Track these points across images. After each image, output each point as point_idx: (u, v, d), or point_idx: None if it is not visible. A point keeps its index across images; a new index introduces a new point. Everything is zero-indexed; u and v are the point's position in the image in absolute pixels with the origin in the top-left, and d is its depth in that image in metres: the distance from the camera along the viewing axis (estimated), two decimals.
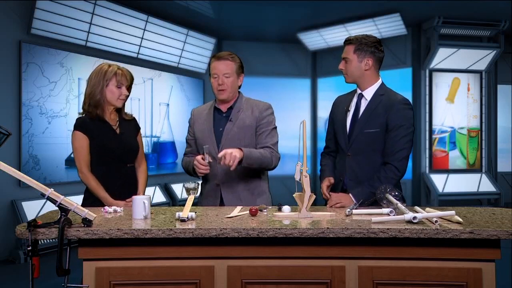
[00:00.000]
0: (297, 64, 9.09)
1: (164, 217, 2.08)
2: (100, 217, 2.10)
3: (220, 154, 2.38)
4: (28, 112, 5.27)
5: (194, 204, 2.17)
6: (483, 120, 8.12)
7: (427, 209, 2.11)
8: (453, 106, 8.05)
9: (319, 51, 8.92)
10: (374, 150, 2.49)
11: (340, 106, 2.67)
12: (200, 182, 2.56)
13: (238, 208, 2.31)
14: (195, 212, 2.06)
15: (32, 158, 5.33)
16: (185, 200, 2.14)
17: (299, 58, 9.04)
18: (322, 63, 9.10)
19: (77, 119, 2.66)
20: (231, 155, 2.35)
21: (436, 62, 7.84)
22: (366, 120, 2.50)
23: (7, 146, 3.38)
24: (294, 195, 2.09)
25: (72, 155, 5.62)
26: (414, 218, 1.86)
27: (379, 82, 2.56)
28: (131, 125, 2.78)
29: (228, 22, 7.73)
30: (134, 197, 2.07)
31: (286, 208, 2.18)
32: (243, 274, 1.88)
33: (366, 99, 2.54)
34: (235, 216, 2.08)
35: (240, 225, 1.86)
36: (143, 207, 2.03)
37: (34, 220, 1.81)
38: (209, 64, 2.74)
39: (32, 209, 5.12)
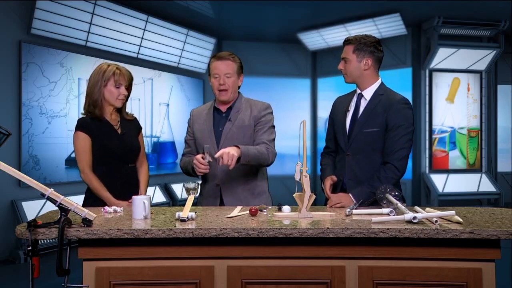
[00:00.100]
0: (297, 64, 9.09)
1: (164, 217, 2.08)
2: (100, 217, 2.10)
3: (217, 154, 2.36)
4: (28, 112, 5.27)
5: (193, 204, 2.17)
6: (483, 120, 8.12)
7: (427, 209, 2.11)
8: (453, 106, 8.05)
9: (319, 51, 8.92)
10: (373, 149, 2.49)
11: (339, 106, 2.67)
12: (199, 182, 2.56)
13: (238, 208, 2.31)
14: (195, 212, 2.06)
15: (32, 158, 5.33)
16: (185, 200, 2.14)
17: (299, 58, 9.04)
18: (322, 63, 9.10)
19: (79, 120, 2.66)
20: (229, 154, 2.33)
21: (436, 62, 7.84)
22: (366, 119, 2.50)
23: (7, 146, 3.38)
24: (294, 195, 2.09)
25: (72, 155, 5.67)
26: (414, 218, 1.86)
27: (379, 82, 2.57)
28: (132, 125, 2.77)
29: (228, 22, 7.73)
30: (134, 197, 2.07)
31: (286, 208, 2.18)
32: (243, 274, 1.88)
33: (365, 99, 2.55)
34: (235, 216, 2.08)
35: (240, 225, 1.86)
36: (143, 207, 2.03)
37: (34, 220, 1.81)
38: (208, 64, 2.73)
39: (32, 209, 5.12)
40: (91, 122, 2.63)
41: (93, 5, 5.95)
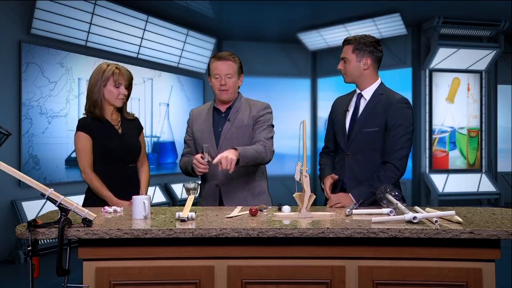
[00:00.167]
0: (297, 64, 9.09)
1: (164, 217, 2.08)
2: (100, 217, 2.10)
3: (215, 160, 2.33)
4: (28, 112, 5.27)
5: (193, 204, 2.17)
6: (483, 120, 8.12)
7: (427, 209, 2.11)
8: (453, 106, 8.05)
9: (319, 51, 8.92)
10: (373, 149, 2.49)
11: (339, 106, 2.68)
12: (199, 182, 2.56)
13: (238, 208, 2.31)
14: (195, 212, 2.06)
15: (32, 158, 5.33)
16: (185, 200, 2.14)
17: (299, 58, 9.04)
18: (322, 63, 9.10)
19: (80, 120, 2.66)
20: (227, 158, 2.31)
21: (436, 62, 7.84)
22: (365, 119, 2.51)
23: (7, 146, 3.38)
24: (294, 195, 2.09)
25: (72, 155, 5.67)
26: (414, 218, 1.86)
27: (378, 81, 2.57)
28: (133, 125, 2.77)
29: (228, 22, 7.73)
30: (134, 197, 2.07)
31: (286, 208, 2.18)
32: (243, 274, 1.88)
33: (365, 99, 2.55)
34: (235, 216, 2.08)
35: (240, 225, 1.86)
36: (143, 207, 2.03)
37: (34, 220, 1.81)
38: (208, 64, 2.73)
39: (32, 209, 5.12)
40: (91, 122, 2.63)
41: (93, 5, 5.95)
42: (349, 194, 2.43)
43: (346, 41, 2.56)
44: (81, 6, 5.81)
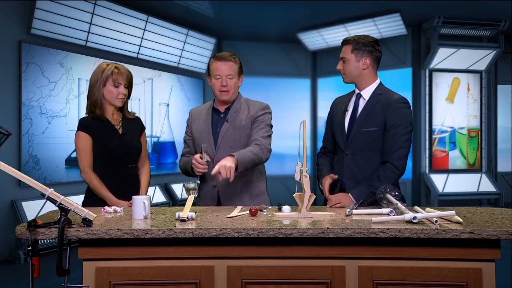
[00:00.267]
0: (297, 64, 9.09)
1: (164, 217, 2.08)
2: (100, 217, 2.10)
3: (214, 171, 2.27)
4: (28, 112, 5.27)
5: (193, 204, 2.17)
6: (483, 120, 8.12)
7: (427, 209, 2.11)
8: (453, 106, 8.05)
9: (319, 51, 8.92)
10: (372, 149, 2.49)
11: (338, 106, 2.68)
12: (199, 182, 2.55)
13: (238, 208, 2.31)
14: (195, 212, 2.06)
15: (32, 158, 5.33)
16: (185, 200, 2.14)
17: (299, 58, 9.04)
18: (322, 63, 9.10)
19: (80, 120, 2.66)
20: (225, 167, 2.26)
21: (436, 62, 7.84)
22: (364, 119, 2.51)
23: (7, 146, 3.38)
24: (294, 195, 2.09)
25: (72, 155, 5.67)
26: (414, 218, 1.87)
27: (377, 81, 2.58)
28: (134, 125, 2.76)
29: (228, 22, 7.73)
30: (134, 197, 2.07)
31: (286, 208, 2.18)
32: (243, 274, 1.88)
33: (364, 99, 2.55)
34: (235, 216, 2.08)
35: (240, 225, 1.86)
36: (143, 207, 2.03)
37: (34, 220, 1.81)
38: (208, 64, 2.72)
39: (32, 209, 5.12)
40: (92, 122, 2.63)
41: (93, 5, 5.95)
42: (349, 194, 2.43)
43: (345, 41, 2.57)
44: (81, 6, 5.81)
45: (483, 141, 8.11)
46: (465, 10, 7.18)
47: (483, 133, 8.11)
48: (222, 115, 2.67)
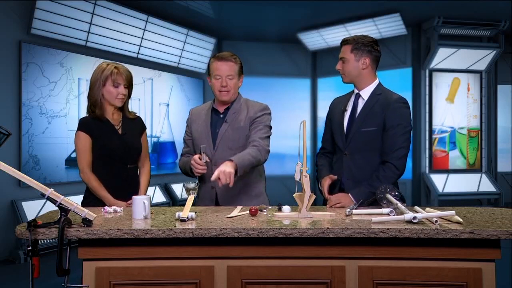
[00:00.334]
0: (297, 64, 9.09)
1: (164, 217, 2.08)
2: (100, 217, 2.10)
3: (213, 177, 2.25)
4: (28, 112, 5.27)
5: (193, 204, 2.17)
6: (483, 120, 8.12)
7: (427, 209, 2.11)
8: (453, 106, 8.05)
9: (319, 51, 8.92)
10: (371, 149, 2.50)
11: (337, 106, 2.69)
12: (199, 182, 2.55)
13: (238, 208, 2.31)
14: (195, 212, 2.06)
15: (32, 158, 5.33)
16: (185, 200, 2.14)
17: (299, 58, 9.04)
18: (322, 63, 9.10)
19: (80, 120, 2.66)
20: (225, 172, 2.24)
21: (436, 62, 7.84)
22: (364, 119, 2.51)
23: (7, 146, 3.38)
24: (294, 195, 2.09)
25: (72, 155, 5.67)
26: (414, 218, 1.87)
27: (376, 82, 2.58)
28: (135, 125, 2.75)
29: (228, 22, 7.73)
30: (134, 197, 2.07)
31: (286, 208, 2.17)
32: (243, 274, 1.88)
33: (363, 99, 2.56)
34: (235, 216, 2.08)
35: (240, 225, 1.86)
36: (143, 207, 2.03)
37: (34, 220, 1.81)
38: (208, 64, 2.71)
39: (32, 209, 5.12)
40: (92, 122, 2.63)
41: (93, 5, 5.95)
42: (349, 194, 2.43)
43: (344, 41, 2.57)
44: (81, 6, 5.81)
45: (483, 141, 8.11)
46: (465, 10, 7.18)
47: (483, 133, 8.11)
48: (221, 116, 2.65)
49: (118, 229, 1.81)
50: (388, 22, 7.48)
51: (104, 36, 6.22)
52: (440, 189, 7.72)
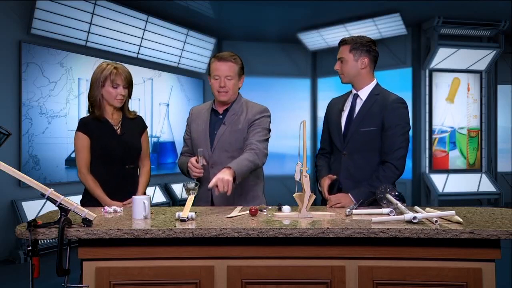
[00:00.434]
0: (297, 64, 9.09)
1: (164, 217, 2.08)
2: (100, 217, 2.10)
3: (211, 184, 2.21)
4: (28, 112, 5.27)
5: (193, 204, 2.17)
6: (483, 120, 8.12)
7: (427, 209, 2.11)
8: (453, 106, 8.05)
9: (319, 51, 8.92)
10: (369, 149, 2.50)
11: (334, 107, 2.70)
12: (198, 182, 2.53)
13: (238, 208, 2.30)
14: (195, 212, 2.06)
15: (32, 158, 5.33)
16: (185, 200, 2.14)
17: (299, 58, 9.04)
18: (322, 63, 9.10)
19: (80, 120, 2.67)
20: (223, 180, 2.20)
21: (436, 62, 7.84)
22: (362, 119, 2.52)
23: (7, 146, 3.37)
24: (294, 195, 2.09)
25: (72, 155, 5.67)
26: (414, 218, 1.87)
27: (374, 82, 2.59)
28: (135, 125, 2.74)
29: (228, 22, 7.73)
30: (134, 197, 2.07)
31: (286, 208, 2.18)
32: (243, 274, 1.88)
33: (361, 99, 2.57)
34: (235, 216, 2.08)
35: (240, 225, 1.86)
36: (143, 207, 2.03)
37: (34, 220, 1.81)
38: (209, 64, 2.69)
39: (32, 209, 5.12)
40: (91, 122, 2.63)
41: (93, 5, 5.95)
42: (349, 194, 2.43)
43: (343, 42, 2.58)
44: (81, 6, 5.81)
45: (483, 141, 8.11)
46: (465, 10, 7.18)
47: (483, 133, 8.11)
48: (220, 117, 2.63)
49: (118, 229, 1.81)
50: (388, 22, 7.48)
51: (104, 36, 6.22)
52: (440, 189, 7.72)
